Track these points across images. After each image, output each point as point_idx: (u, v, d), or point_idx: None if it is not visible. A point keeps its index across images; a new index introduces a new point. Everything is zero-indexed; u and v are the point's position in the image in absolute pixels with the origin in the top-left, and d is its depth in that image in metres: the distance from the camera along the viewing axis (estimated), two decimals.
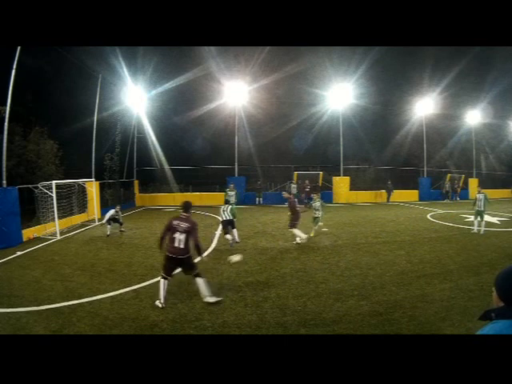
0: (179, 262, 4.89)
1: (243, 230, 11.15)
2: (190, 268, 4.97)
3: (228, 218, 8.61)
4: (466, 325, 4.06)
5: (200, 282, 4.95)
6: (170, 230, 4.91)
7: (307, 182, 16.67)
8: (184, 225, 4.88)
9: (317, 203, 9.79)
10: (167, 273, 4.92)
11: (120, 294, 5.40)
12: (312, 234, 9.57)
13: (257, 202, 19.80)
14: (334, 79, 20.61)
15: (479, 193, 10.48)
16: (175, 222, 4.92)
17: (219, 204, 19.21)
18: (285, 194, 10.54)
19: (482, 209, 10.23)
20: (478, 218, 10.32)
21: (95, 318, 4.47)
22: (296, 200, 10.17)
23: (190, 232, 4.85)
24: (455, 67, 22.12)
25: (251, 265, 6.98)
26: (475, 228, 10.34)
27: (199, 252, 4.94)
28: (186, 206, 5.13)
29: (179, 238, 4.82)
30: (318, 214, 9.72)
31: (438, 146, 25.29)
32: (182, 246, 4.82)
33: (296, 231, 9.02)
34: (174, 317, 4.50)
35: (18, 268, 6.92)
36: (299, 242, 9.00)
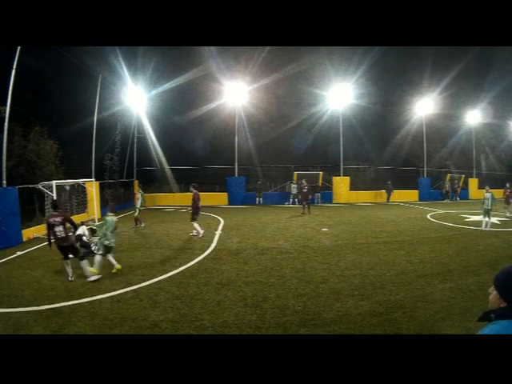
0: (67, 248, 6.08)
1: (243, 229, 11.17)
2: (74, 253, 6.19)
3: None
4: (465, 325, 4.06)
5: (83, 264, 6.09)
6: (51, 228, 5.98)
7: (304, 182, 16.04)
8: (58, 219, 5.99)
9: (108, 218, 6.59)
10: (64, 258, 6.11)
11: (120, 293, 5.40)
12: (93, 270, 6.24)
13: (257, 202, 19.82)
14: (334, 79, 20.61)
15: (487, 192, 10.80)
16: (51, 220, 6.01)
17: (219, 204, 19.33)
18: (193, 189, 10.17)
19: (490, 207, 10.52)
20: (486, 218, 10.58)
21: (95, 318, 4.47)
22: (199, 196, 10.07)
23: (64, 221, 6.05)
24: (455, 67, 22.14)
25: (251, 265, 6.98)
26: (483, 227, 10.63)
27: (75, 228, 6.67)
28: (54, 205, 6.35)
29: (59, 229, 5.97)
30: (105, 239, 6.47)
31: (438, 146, 25.29)
32: (63, 235, 6.00)
33: (195, 224, 9.87)
34: (174, 317, 4.50)
35: (17, 268, 6.93)
36: (195, 234, 9.89)
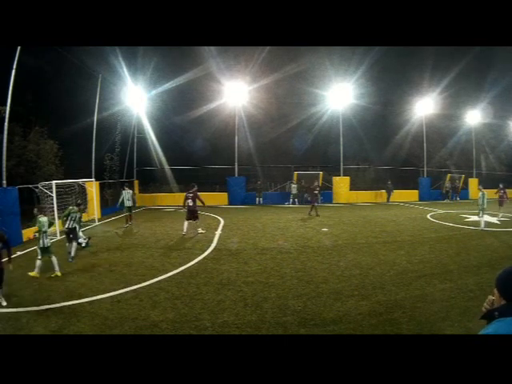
0: None
1: (243, 229, 11.17)
2: None
3: (71, 226, 7.66)
4: (465, 325, 4.06)
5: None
6: None
7: (317, 183, 15.51)
8: None
9: (41, 219, 6.47)
10: None
11: (120, 293, 5.40)
12: (34, 274, 6.28)
13: (257, 202, 19.82)
14: (334, 79, 20.60)
15: (480, 191, 11.26)
16: None
17: (219, 204, 19.31)
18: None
19: (480, 206, 10.92)
20: (482, 217, 10.89)
21: (95, 318, 4.47)
22: (186, 195, 10.41)
23: None
24: (455, 67, 22.12)
25: (251, 265, 6.98)
26: (482, 226, 10.90)
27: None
28: None
29: None
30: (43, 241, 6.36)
31: (438, 146, 25.28)
32: None
33: (185, 223, 10.21)
34: (174, 317, 4.50)
35: (17, 268, 6.90)
36: (184, 233, 10.10)
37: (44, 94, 14.08)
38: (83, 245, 8.55)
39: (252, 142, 22.67)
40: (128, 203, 12.04)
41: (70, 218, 7.64)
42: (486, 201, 10.94)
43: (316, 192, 15.18)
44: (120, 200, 12.20)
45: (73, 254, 7.54)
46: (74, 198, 12.41)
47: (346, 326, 4.18)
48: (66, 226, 7.66)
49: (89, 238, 8.91)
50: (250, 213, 15.87)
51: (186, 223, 10.20)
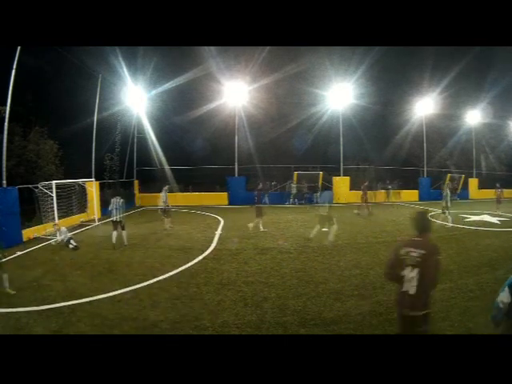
0: None
1: (243, 229, 11.16)
2: None
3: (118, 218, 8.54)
4: (465, 325, 4.06)
5: None
6: None
7: (367, 183, 15.53)
8: None
9: None
10: None
11: (120, 293, 5.40)
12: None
13: (263, 202, 19.77)
14: (334, 79, 20.60)
15: (445, 189, 11.65)
16: None
17: (219, 204, 19.32)
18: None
19: (443, 204, 11.27)
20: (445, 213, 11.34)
21: (95, 318, 4.47)
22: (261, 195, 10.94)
23: None
24: (455, 67, 22.11)
25: (251, 265, 6.98)
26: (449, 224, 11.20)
27: None
28: None
29: None
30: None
31: (438, 146, 25.27)
32: None
33: (257, 221, 10.63)
34: (174, 317, 4.50)
35: (18, 268, 6.91)
36: (257, 229, 10.48)
37: (44, 94, 14.08)
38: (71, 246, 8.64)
39: (252, 141, 22.66)
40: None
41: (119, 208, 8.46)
42: (449, 199, 11.08)
43: (365, 199, 15.11)
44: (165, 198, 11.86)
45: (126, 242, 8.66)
46: (74, 198, 12.44)
47: (345, 326, 4.18)
48: (119, 217, 8.47)
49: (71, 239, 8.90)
50: (250, 213, 15.85)
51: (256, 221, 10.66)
